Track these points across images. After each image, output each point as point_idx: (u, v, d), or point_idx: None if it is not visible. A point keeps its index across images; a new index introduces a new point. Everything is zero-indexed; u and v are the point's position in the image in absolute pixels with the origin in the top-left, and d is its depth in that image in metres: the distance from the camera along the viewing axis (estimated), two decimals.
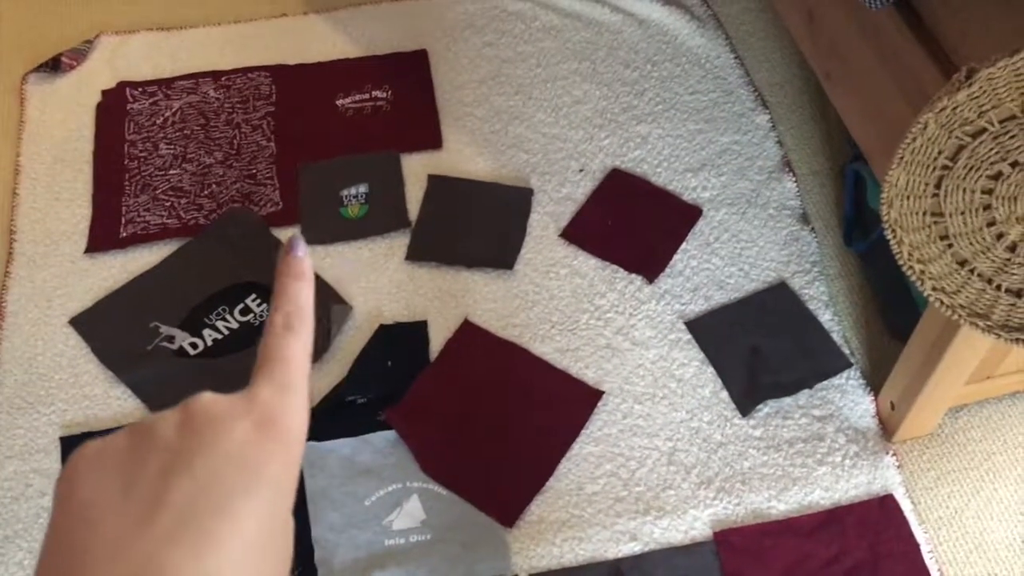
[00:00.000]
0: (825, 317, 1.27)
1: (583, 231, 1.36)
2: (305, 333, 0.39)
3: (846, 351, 1.24)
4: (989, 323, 0.82)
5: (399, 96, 1.53)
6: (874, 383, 1.21)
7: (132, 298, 1.31)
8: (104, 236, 1.37)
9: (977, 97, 0.74)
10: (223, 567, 0.31)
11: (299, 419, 0.36)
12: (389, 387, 1.22)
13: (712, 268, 1.33)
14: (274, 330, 0.38)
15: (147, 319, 1.28)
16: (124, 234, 1.37)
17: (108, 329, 1.28)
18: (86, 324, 1.28)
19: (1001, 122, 0.75)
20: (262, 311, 1.29)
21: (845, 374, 1.22)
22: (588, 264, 1.33)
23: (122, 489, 0.33)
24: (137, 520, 0.32)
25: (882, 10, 0.98)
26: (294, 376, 0.37)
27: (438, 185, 1.42)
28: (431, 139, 1.47)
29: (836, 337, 1.25)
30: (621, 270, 1.32)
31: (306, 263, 0.40)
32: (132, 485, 0.33)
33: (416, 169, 1.44)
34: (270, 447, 0.34)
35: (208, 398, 0.35)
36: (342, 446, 1.17)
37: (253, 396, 0.36)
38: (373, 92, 1.54)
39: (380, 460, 1.17)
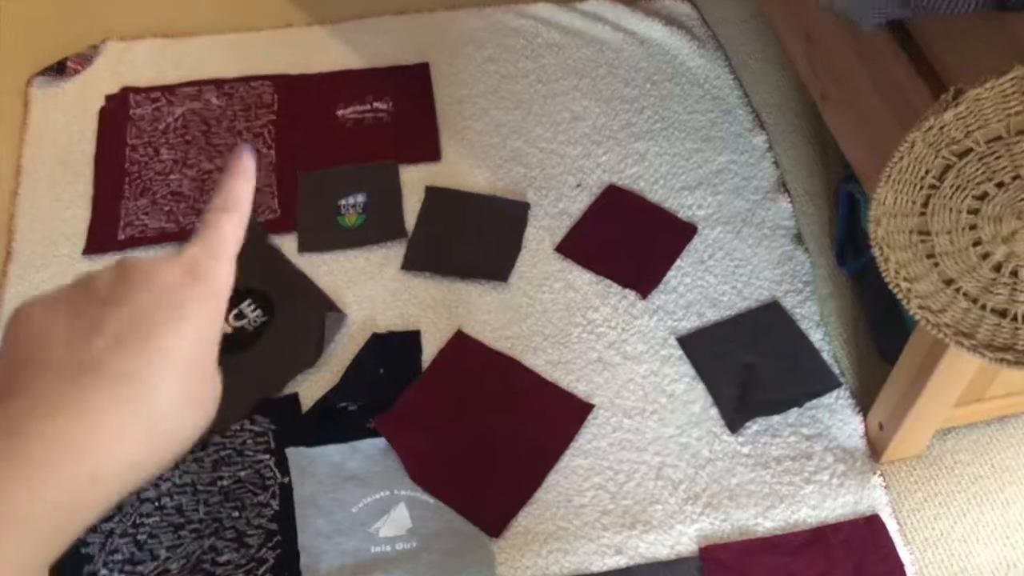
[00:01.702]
0: (816, 336, 1.28)
1: (578, 246, 1.37)
2: (239, 215, 0.44)
3: (836, 371, 1.25)
4: (974, 342, 0.83)
5: (400, 108, 1.55)
6: (863, 403, 1.22)
7: None
8: (102, 238, 1.38)
9: (964, 117, 0.75)
10: (155, 372, 0.37)
11: (222, 277, 0.42)
12: (380, 395, 1.22)
13: (705, 285, 1.33)
14: (211, 208, 0.44)
15: None
16: (122, 236, 1.38)
17: None
18: None
19: (987, 142, 0.75)
20: (257, 316, 1.29)
21: (835, 393, 1.23)
22: (582, 278, 1.34)
23: (66, 321, 0.38)
24: (80, 338, 0.37)
25: (877, 32, 1.00)
26: (224, 244, 0.42)
27: (435, 196, 1.43)
28: (430, 151, 1.49)
29: (826, 356, 1.26)
30: (615, 285, 1.33)
31: (248, 164, 0.46)
32: (75, 317, 0.38)
33: (414, 180, 1.45)
34: (195, 290, 0.40)
35: (139, 257, 0.41)
36: (331, 452, 1.18)
37: (183, 252, 0.42)
38: (374, 103, 1.55)
39: (369, 467, 1.17)
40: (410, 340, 1.28)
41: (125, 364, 0.36)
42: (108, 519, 1.12)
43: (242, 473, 1.17)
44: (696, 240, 1.38)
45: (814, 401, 1.22)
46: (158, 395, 0.37)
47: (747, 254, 1.36)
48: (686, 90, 1.57)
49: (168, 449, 0.37)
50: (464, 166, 1.47)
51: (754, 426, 1.20)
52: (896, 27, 0.99)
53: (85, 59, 1.62)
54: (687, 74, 1.59)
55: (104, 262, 1.36)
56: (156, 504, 1.14)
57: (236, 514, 1.13)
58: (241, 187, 0.45)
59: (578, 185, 1.44)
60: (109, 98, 1.55)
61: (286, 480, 1.16)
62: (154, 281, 0.39)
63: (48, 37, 1.67)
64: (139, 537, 1.11)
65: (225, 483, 1.16)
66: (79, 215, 1.42)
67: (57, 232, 1.40)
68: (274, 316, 1.25)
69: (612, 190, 1.43)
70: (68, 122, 1.53)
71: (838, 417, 1.21)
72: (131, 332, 0.37)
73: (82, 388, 0.35)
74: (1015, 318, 0.81)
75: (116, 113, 1.53)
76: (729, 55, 1.62)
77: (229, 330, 1.28)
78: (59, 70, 1.59)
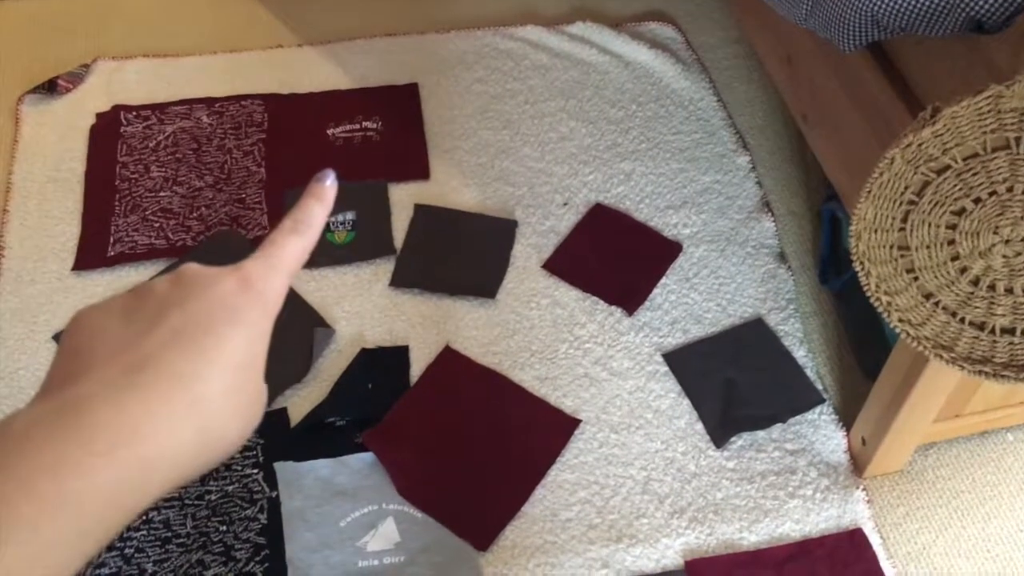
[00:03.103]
0: (799, 353, 1.30)
1: (565, 263, 1.39)
2: (307, 238, 0.44)
3: (819, 387, 1.27)
4: (953, 355, 0.85)
5: (389, 127, 1.56)
6: (846, 419, 1.23)
7: None
8: (92, 255, 1.39)
9: (941, 135, 0.77)
10: (209, 372, 0.38)
11: (276, 289, 0.42)
12: (369, 410, 1.23)
13: (690, 303, 1.35)
14: (281, 228, 0.44)
15: None
16: (112, 253, 1.39)
17: None
18: None
19: (964, 159, 0.78)
20: None
21: (818, 409, 1.24)
22: (569, 295, 1.36)
23: (124, 319, 0.39)
24: (134, 336, 0.38)
25: (855, 53, 1.02)
26: (283, 260, 0.43)
27: (424, 214, 1.44)
28: (419, 170, 1.50)
29: (810, 373, 1.28)
30: (601, 302, 1.35)
31: (330, 192, 0.46)
32: (130, 317, 0.39)
33: (403, 199, 1.47)
34: (249, 298, 0.40)
35: (198, 265, 0.41)
36: (320, 467, 1.18)
37: (241, 265, 0.42)
38: (363, 123, 1.57)
39: (357, 482, 1.18)
40: (398, 356, 1.29)
41: (180, 363, 0.37)
42: None
43: (230, 487, 1.17)
44: (681, 258, 1.40)
45: (798, 417, 1.23)
46: (210, 395, 0.37)
47: (731, 272, 1.38)
48: (671, 111, 1.60)
49: (215, 451, 0.38)
50: (452, 184, 1.49)
51: (739, 441, 1.21)
52: (874, 49, 1.02)
53: (76, 77, 1.63)
54: (672, 96, 1.62)
55: (93, 279, 1.37)
56: (143, 518, 1.14)
57: (224, 528, 1.14)
58: (316, 211, 0.45)
59: (565, 204, 1.46)
60: (100, 116, 1.57)
61: (274, 494, 1.16)
62: (210, 288, 0.40)
63: (39, 55, 1.68)
64: (126, 551, 1.11)
65: (213, 497, 1.16)
66: (69, 232, 1.42)
67: (47, 249, 1.40)
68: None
69: (598, 209, 1.45)
70: (58, 140, 1.54)
71: (821, 432, 1.22)
72: (186, 333, 0.38)
73: (138, 379, 0.36)
74: (993, 331, 0.83)
75: (107, 131, 1.54)
76: (713, 78, 1.65)
77: None
78: (50, 88, 1.60)
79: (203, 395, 0.37)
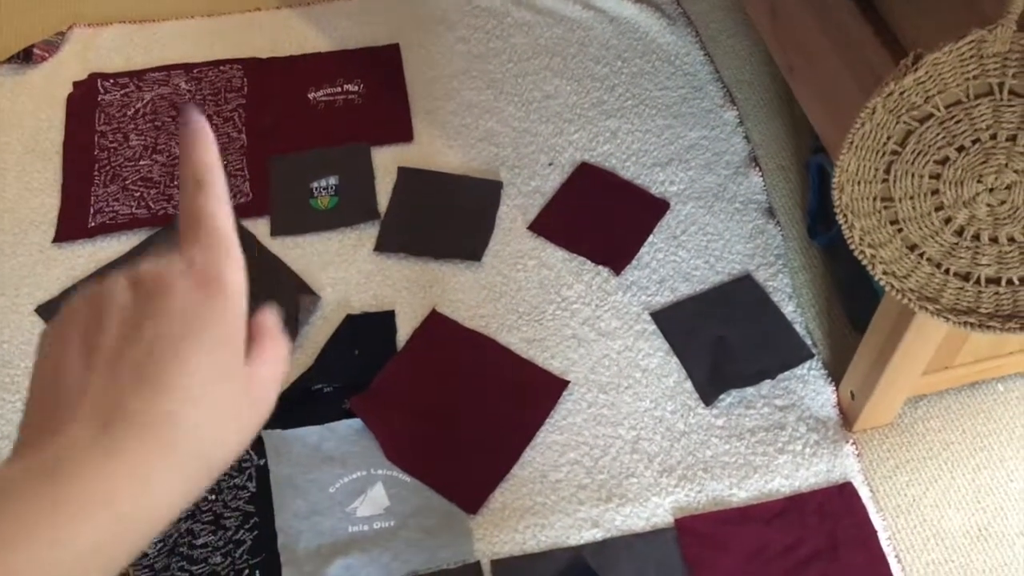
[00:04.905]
0: (788, 309, 1.29)
1: (551, 224, 1.37)
2: (217, 186, 0.40)
3: (808, 342, 1.26)
4: (938, 306, 0.84)
5: (371, 90, 1.54)
6: (835, 373, 1.23)
7: None
8: (73, 226, 1.37)
9: (924, 82, 0.75)
10: (177, 411, 0.36)
11: (233, 274, 0.39)
12: (356, 376, 1.23)
13: (678, 260, 1.34)
14: (186, 190, 0.40)
15: None
16: (93, 224, 1.37)
17: None
18: (52, 313, 1.28)
19: (947, 107, 0.76)
20: None
21: (807, 364, 1.24)
22: (555, 256, 1.34)
23: (82, 351, 0.37)
24: (99, 378, 0.36)
25: (839, 1, 1.00)
26: (219, 234, 0.39)
27: (408, 177, 1.42)
28: (402, 132, 1.48)
29: (799, 328, 1.27)
30: (588, 262, 1.33)
31: (202, 124, 0.41)
32: (93, 347, 0.37)
33: (386, 162, 1.45)
34: (210, 303, 0.38)
35: (153, 267, 0.39)
36: (308, 434, 1.18)
37: (189, 260, 0.38)
38: (345, 86, 1.54)
39: (345, 448, 1.17)
40: (385, 321, 1.28)
41: (152, 406, 0.35)
42: None
43: None
44: (668, 216, 1.38)
45: (787, 372, 1.23)
46: (189, 428, 0.36)
47: (719, 229, 1.37)
48: (657, 67, 1.57)
49: (206, 471, 0.37)
50: (436, 146, 1.47)
51: (728, 398, 1.21)
52: None
53: (52, 46, 1.60)
54: (658, 51, 1.59)
55: (75, 250, 1.35)
56: None
57: (212, 497, 1.13)
58: (208, 153, 0.40)
59: (550, 163, 1.44)
60: (77, 84, 1.54)
61: (262, 462, 1.16)
62: (168, 300, 0.37)
63: (13, 24, 1.65)
64: None
65: None
66: (49, 203, 1.41)
67: (27, 221, 1.39)
68: (248, 300, 1.24)
69: (584, 168, 1.44)
70: (36, 109, 1.52)
71: (810, 388, 1.22)
72: (152, 366, 0.36)
73: (109, 434, 0.35)
74: (978, 281, 0.82)
75: (84, 100, 1.52)
76: (699, 32, 1.63)
77: None
78: (25, 57, 1.57)
79: (182, 433, 0.36)
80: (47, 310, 1.29)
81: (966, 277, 0.82)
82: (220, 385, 0.37)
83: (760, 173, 1.44)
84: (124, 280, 0.38)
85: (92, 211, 1.39)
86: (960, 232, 0.81)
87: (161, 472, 0.35)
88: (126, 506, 0.34)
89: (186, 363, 0.36)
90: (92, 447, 0.34)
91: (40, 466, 0.34)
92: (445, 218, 1.38)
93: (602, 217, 1.38)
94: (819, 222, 1.36)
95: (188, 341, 0.36)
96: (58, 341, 0.38)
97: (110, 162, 1.44)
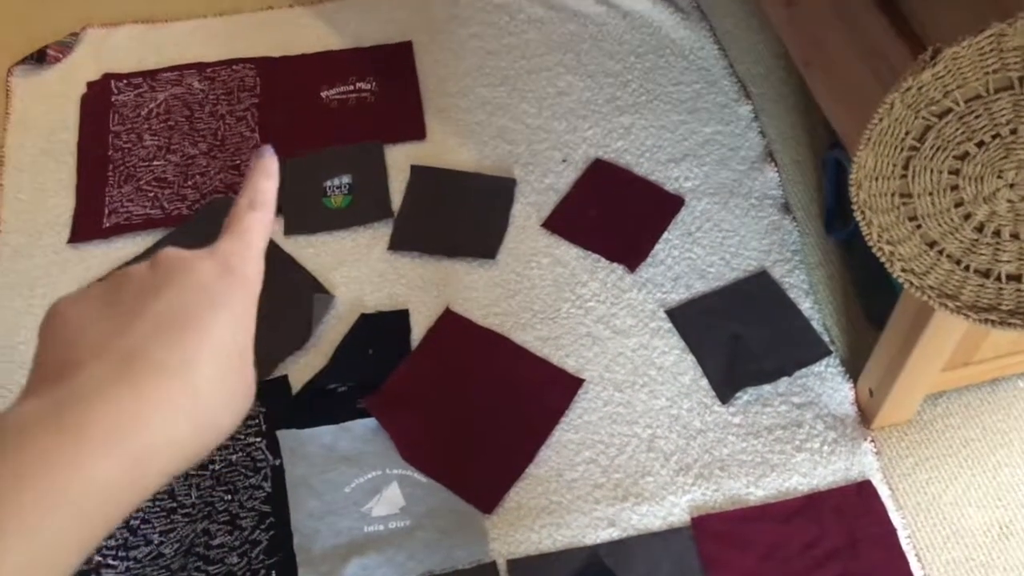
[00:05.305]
0: (805, 305, 1.28)
1: (565, 221, 1.37)
2: (266, 213, 0.45)
3: (826, 339, 1.25)
4: (958, 303, 0.83)
5: (383, 88, 1.54)
6: (853, 370, 1.22)
7: None
8: (87, 226, 1.38)
9: (942, 77, 0.74)
10: (197, 360, 0.37)
11: (254, 268, 0.42)
12: (370, 375, 1.22)
13: (693, 257, 1.33)
14: (239, 207, 0.44)
15: None
16: (107, 224, 1.37)
17: None
18: None
19: (966, 102, 0.75)
20: None
21: (824, 361, 1.23)
22: (570, 253, 1.34)
23: (103, 312, 0.38)
24: (117, 328, 0.38)
25: None
26: (252, 238, 0.43)
27: (421, 175, 1.42)
28: (415, 130, 1.48)
29: (816, 325, 1.26)
30: (603, 259, 1.33)
31: (274, 164, 0.47)
32: (111, 307, 0.39)
33: (400, 160, 1.44)
34: (229, 281, 0.40)
35: (174, 250, 0.41)
36: (323, 434, 1.18)
37: (215, 247, 0.42)
38: (357, 84, 1.54)
39: (360, 447, 1.17)
40: (399, 320, 1.28)
41: (168, 351, 0.37)
42: None
43: (233, 456, 1.17)
44: (683, 212, 1.37)
45: (804, 370, 1.22)
46: (200, 383, 0.37)
47: (735, 225, 1.36)
48: (670, 62, 1.56)
49: (208, 438, 0.38)
50: (449, 144, 1.47)
51: (744, 396, 1.20)
52: None
53: (65, 47, 1.60)
54: (671, 46, 1.58)
55: (90, 251, 1.36)
56: None
57: (228, 497, 1.13)
58: (267, 186, 0.46)
59: (564, 160, 1.44)
60: (91, 85, 1.54)
61: (278, 462, 1.16)
62: (188, 275, 0.39)
63: (27, 26, 1.66)
64: (132, 522, 1.11)
65: (217, 467, 1.16)
66: (63, 204, 1.41)
67: (42, 222, 1.39)
68: (261, 299, 1.24)
69: (598, 164, 1.43)
70: (50, 110, 1.52)
71: (828, 385, 1.21)
72: (171, 322, 0.38)
73: (128, 372, 0.36)
74: (999, 278, 0.81)
75: (98, 100, 1.52)
76: (713, 25, 1.61)
77: None
78: (39, 58, 1.58)
79: (194, 384, 0.37)
80: None
81: (986, 274, 0.81)
82: (228, 355, 0.38)
83: (776, 168, 1.42)
84: (144, 263, 0.41)
85: (107, 211, 1.39)
86: (980, 228, 0.80)
87: (177, 415, 0.36)
88: (143, 441, 0.35)
89: (202, 326, 0.38)
90: (113, 381, 0.35)
91: (57, 401, 0.35)
92: (459, 216, 1.37)
93: (616, 214, 1.37)
94: (836, 217, 1.34)
95: (206, 310, 0.38)
96: (72, 306, 0.39)
97: (124, 162, 1.44)
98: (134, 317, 0.38)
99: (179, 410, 0.36)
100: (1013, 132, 0.75)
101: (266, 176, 0.46)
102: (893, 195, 0.81)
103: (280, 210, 1.39)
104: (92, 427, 0.34)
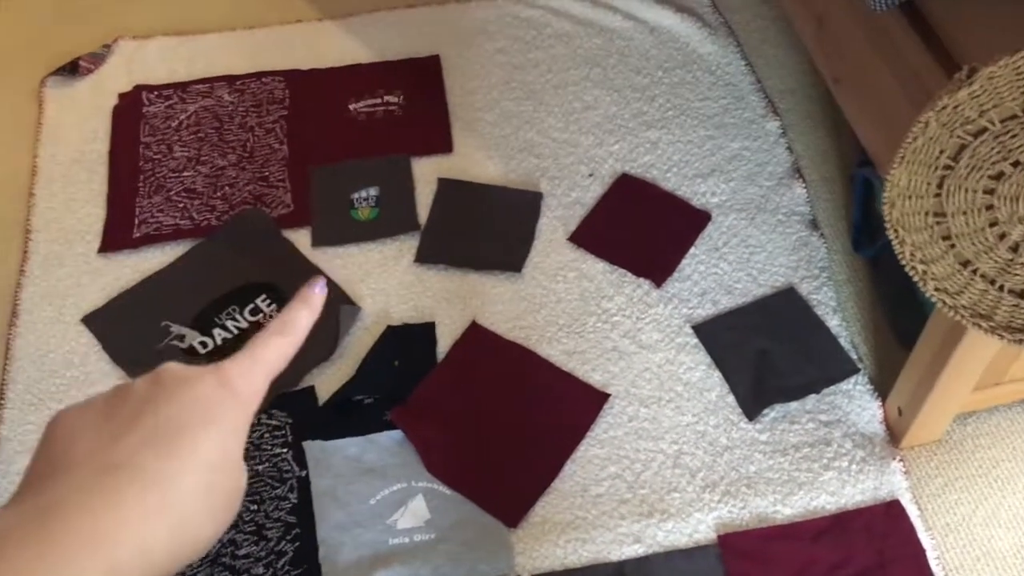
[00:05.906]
0: (833, 322, 1.27)
1: (592, 235, 1.37)
2: (290, 343, 0.46)
3: (854, 356, 1.24)
4: (992, 324, 0.82)
5: (411, 101, 1.54)
6: (881, 389, 1.21)
7: (144, 297, 1.32)
8: (118, 236, 1.39)
9: (978, 96, 0.74)
10: (182, 472, 0.38)
11: (255, 385, 0.43)
12: (396, 387, 1.23)
13: (720, 273, 1.33)
14: (267, 330, 0.46)
15: (158, 318, 1.29)
16: (137, 234, 1.39)
17: (120, 328, 1.29)
18: (98, 322, 1.30)
19: (1002, 121, 0.75)
20: (272, 311, 1.30)
21: (852, 379, 1.22)
22: (596, 268, 1.34)
23: (99, 422, 0.40)
24: (109, 439, 0.39)
25: (887, 12, 0.99)
26: (265, 358, 0.44)
27: (448, 188, 1.43)
28: (442, 143, 1.48)
29: (844, 342, 1.25)
30: (629, 274, 1.33)
31: (319, 299, 0.48)
32: (108, 419, 0.40)
33: (427, 173, 1.45)
34: (223, 395, 0.41)
35: (178, 365, 0.42)
36: (348, 445, 1.18)
37: (220, 364, 0.43)
38: (385, 97, 1.55)
39: (386, 460, 1.17)
40: (425, 332, 1.28)
41: (152, 464, 0.38)
42: None
43: (260, 467, 1.17)
44: (710, 227, 1.37)
45: (832, 387, 1.21)
46: (182, 495, 0.38)
47: (762, 241, 1.36)
48: (698, 77, 1.56)
49: (189, 549, 0.38)
50: (476, 157, 1.47)
51: (771, 413, 1.19)
52: (907, 7, 0.98)
53: (98, 58, 1.62)
54: (699, 61, 1.58)
55: (120, 260, 1.37)
56: None
57: (255, 508, 1.14)
58: (303, 315, 0.47)
59: (591, 174, 1.44)
60: (122, 96, 1.56)
61: (304, 473, 1.16)
62: (187, 389, 0.41)
63: (60, 37, 1.68)
64: None
65: None
66: (94, 213, 1.43)
67: (72, 231, 1.41)
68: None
69: (625, 179, 1.43)
70: (82, 121, 1.54)
71: (856, 403, 1.20)
72: (161, 435, 0.39)
73: (109, 482, 0.37)
74: None
75: (129, 111, 1.54)
76: (741, 41, 1.61)
77: (246, 326, 1.29)
78: (72, 70, 1.60)
79: (175, 495, 0.38)
80: (93, 320, 1.30)
81: (1021, 295, 0.80)
82: (216, 473, 0.39)
83: (804, 184, 1.42)
84: (146, 377, 0.42)
85: (137, 222, 1.40)
86: (1015, 248, 0.79)
87: (154, 527, 0.36)
88: (118, 552, 0.35)
89: (195, 440, 0.39)
90: (91, 489, 0.36)
91: (36, 509, 0.35)
92: (485, 229, 1.38)
93: (643, 229, 1.37)
94: (864, 235, 1.34)
95: (197, 424, 0.40)
96: (72, 414, 0.40)
97: (154, 173, 1.46)
98: (127, 430, 0.39)
99: (158, 521, 0.37)
100: None
101: (307, 307, 0.47)
102: (927, 214, 0.81)
103: (308, 222, 1.39)
104: (65, 538, 0.34)
